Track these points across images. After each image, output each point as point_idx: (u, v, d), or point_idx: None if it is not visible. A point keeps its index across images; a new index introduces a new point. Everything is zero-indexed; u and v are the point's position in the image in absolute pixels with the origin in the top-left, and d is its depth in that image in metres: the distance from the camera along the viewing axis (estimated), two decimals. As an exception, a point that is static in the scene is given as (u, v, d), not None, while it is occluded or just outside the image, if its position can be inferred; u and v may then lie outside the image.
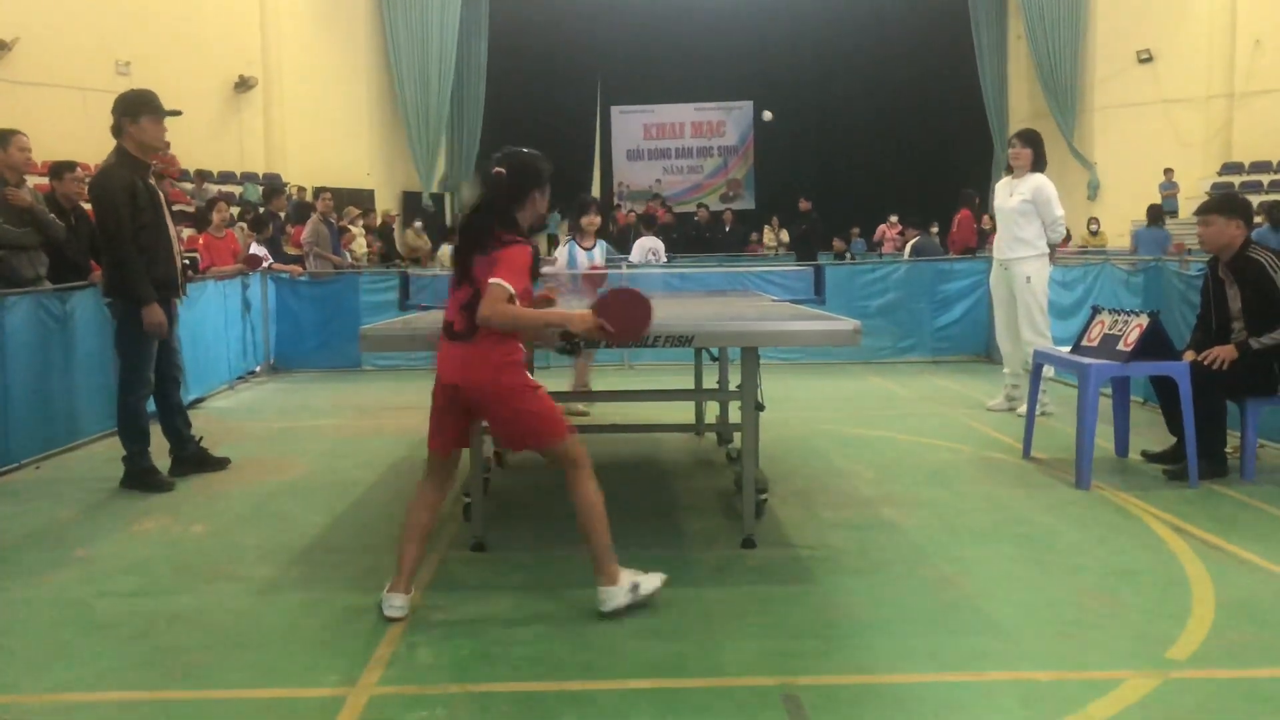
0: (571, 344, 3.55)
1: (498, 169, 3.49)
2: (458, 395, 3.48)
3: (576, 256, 7.63)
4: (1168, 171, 19.24)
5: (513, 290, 3.35)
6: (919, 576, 3.90)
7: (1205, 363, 5.14)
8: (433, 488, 3.63)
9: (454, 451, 3.66)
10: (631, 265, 9.34)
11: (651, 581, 3.54)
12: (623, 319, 3.48)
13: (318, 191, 13.17)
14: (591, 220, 7.69)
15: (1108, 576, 3.87)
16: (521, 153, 3.57)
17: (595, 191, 25.14)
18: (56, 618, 3.57)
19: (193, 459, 5.72)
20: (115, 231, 5.17)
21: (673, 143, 26.34)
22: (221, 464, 5.80)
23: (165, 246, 5.38)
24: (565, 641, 3.29)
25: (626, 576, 3.49)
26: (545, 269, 7.75)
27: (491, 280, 3.33)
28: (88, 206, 6.03)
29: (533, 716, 2.80)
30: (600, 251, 7.75)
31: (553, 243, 23.91)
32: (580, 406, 7.24)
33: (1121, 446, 5.86)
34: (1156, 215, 14.83)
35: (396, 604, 3.48)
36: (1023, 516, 4.71)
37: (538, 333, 3.60)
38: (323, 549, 4.36)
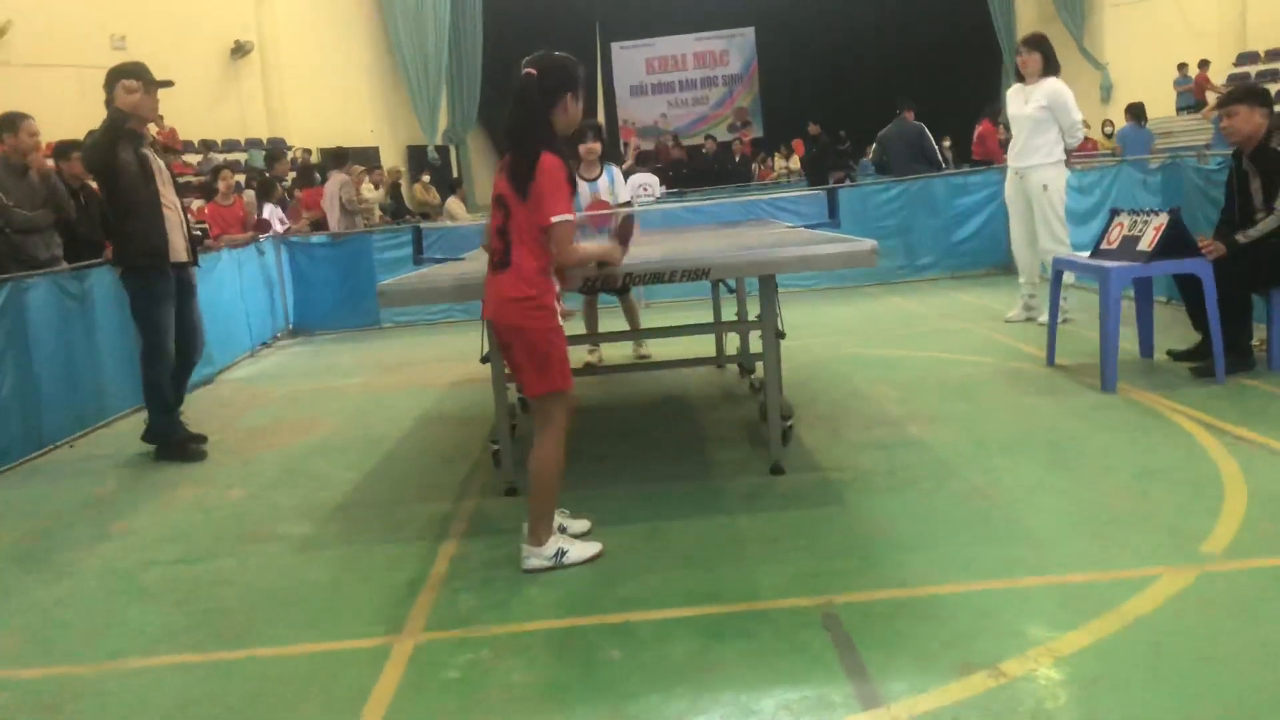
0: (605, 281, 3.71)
1: (528, 70, 3.31)
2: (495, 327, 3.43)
3: (580, 189, 7.22)
4: (1182, 66, 18.78)
5: (573, 220, 3.30)
6: (949, 490, 3.91)
7: (1203, 252, 5.10)
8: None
9: None
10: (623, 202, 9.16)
11: (583, 551, 3.48)
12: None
13: (328, 153, 13.14)
14: (590, 148, 7.03)
15: (1138, 477, 3.87)
16: (553, 54, 3.39)
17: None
18: (105, 589, 3.66)
19: (176, 445, 5.50)
20: (110, 191, 5.21)
21: (676, 75, 25.95)
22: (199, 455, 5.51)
23: (158, 215, 5.30)
24: (603, 576, 3.34)
25: (553, 543, 3.44)
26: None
27: (556, 219, 3.23)
28: (94, 184, 6.04)
29: (575, 651, 2.85)
30: (609, 181, 7.14)
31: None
32: (643, 349, 7.10)
33: (1146, 347, 5.82)
34: (1138, 113, 14.91)
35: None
36: (1050, 423, 4.70)
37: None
38: (358, 504, 4.42)
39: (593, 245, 3.72)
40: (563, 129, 3.39)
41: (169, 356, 5.46)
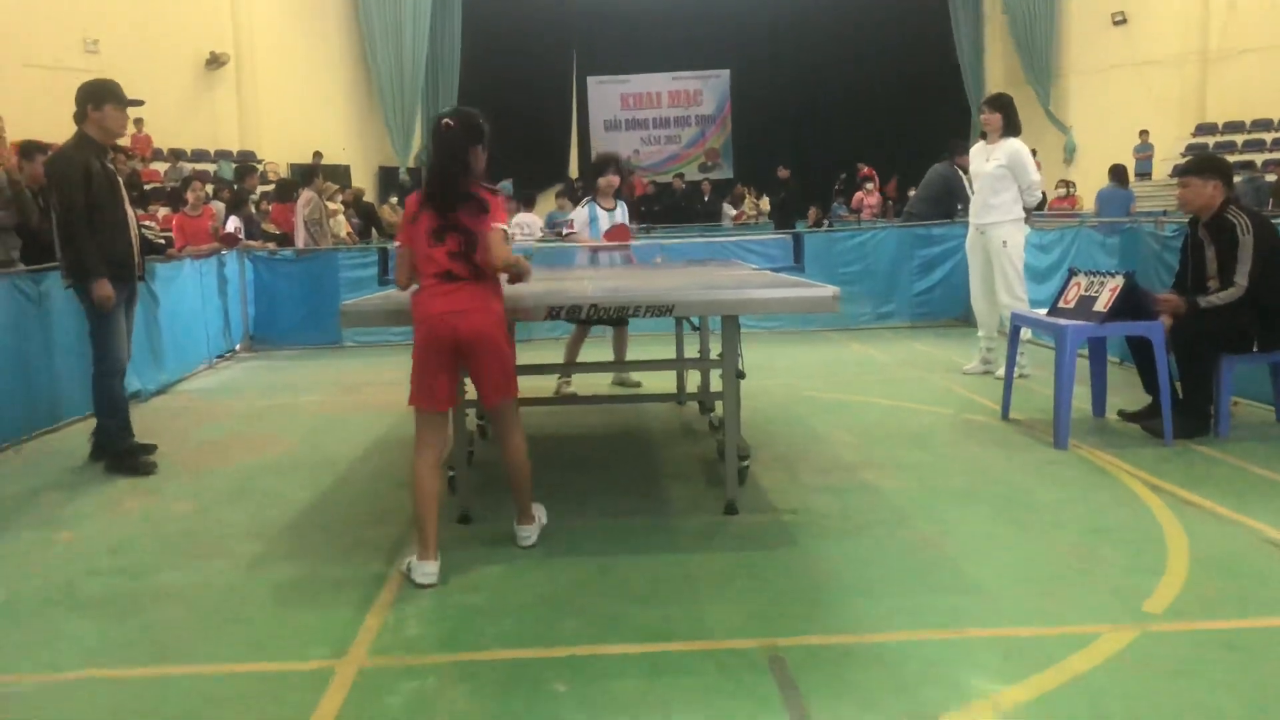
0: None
1: (446, 121, 3.65)
2: (456, 344, 3.60)
3: (599, 217, 7.23)
4: (1143, 133, 19.31)
5: (508, 230, 3.68)
6: (900, 538, 3.95)
7: (1157, 310, 5.22)
8: (434, 450, 3.68)
9: (451, 408, 3.79)
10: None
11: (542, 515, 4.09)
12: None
13: (298, 169, 13.09)
14: (610, 181, 7.28)
15: (1085, 534, 3.93)
16: (466, 109, 3.78)
17: (574, 162, 25.01)
18: (44, 598, 3.58)
19: (125, 456, 5.39)
20: (68, 207, 5.12)
21: (650, 113, 26.22)
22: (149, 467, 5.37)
23: (122, 228, 5.34)
24: (552, 609, 3.33)
25: (537, 515, 4.00)
26: (566, 231, 7.64)
27: (497, 225, 3.59)
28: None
29: (522, 684, 2.83)
30: (622, 212, 7.37)
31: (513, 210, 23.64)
32: (633, 377, 7.18)
33: (1099, 406, 5.93)
34: (1120, 175, 14.11)
35: (429, 570, 3.56)
36: (1002, 477, 4.77)
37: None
38: (309, 525, 4.37)
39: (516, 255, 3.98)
40: (475, 172, 3.69)
41: (122, 363, 5.43)
